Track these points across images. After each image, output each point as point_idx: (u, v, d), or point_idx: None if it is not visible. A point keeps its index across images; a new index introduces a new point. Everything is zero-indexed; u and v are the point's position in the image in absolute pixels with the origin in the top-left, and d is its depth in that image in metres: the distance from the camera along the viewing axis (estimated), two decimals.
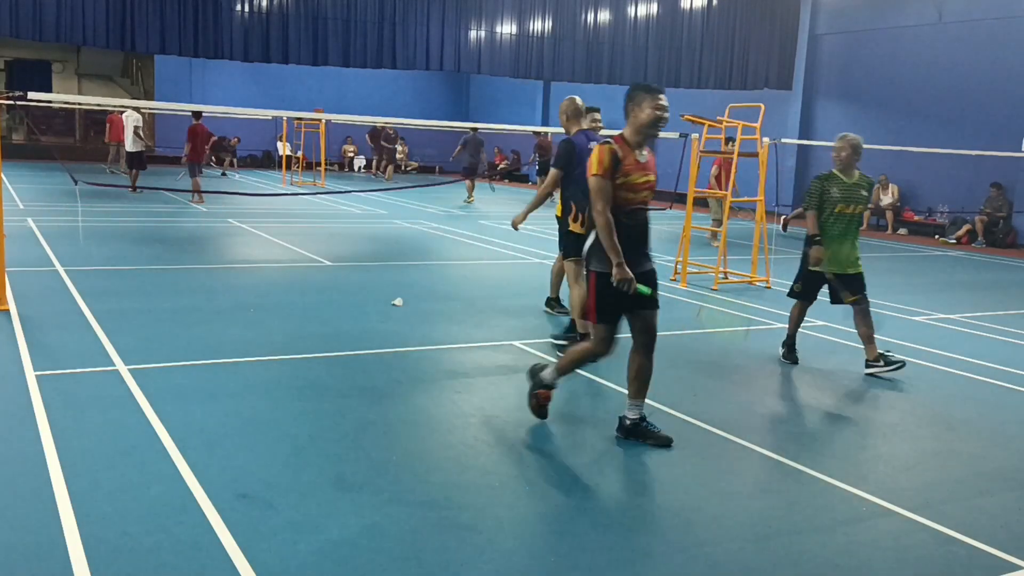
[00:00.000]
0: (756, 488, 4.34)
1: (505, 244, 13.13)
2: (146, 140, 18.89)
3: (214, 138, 24.33)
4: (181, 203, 16.73)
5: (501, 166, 31.30)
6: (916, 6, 19.28)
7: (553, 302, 8.22)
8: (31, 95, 7.72)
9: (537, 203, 7.34)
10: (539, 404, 5.02)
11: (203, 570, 3.21)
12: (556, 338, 7.03)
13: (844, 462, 4.73)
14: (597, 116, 7.64)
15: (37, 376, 5.43)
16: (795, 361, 6.83)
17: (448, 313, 7.63)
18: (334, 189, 22.58)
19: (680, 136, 10.99)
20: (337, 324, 7.45)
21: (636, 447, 4.76)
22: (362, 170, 31.70)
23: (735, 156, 10.61)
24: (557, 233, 7.29)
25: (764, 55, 21.42)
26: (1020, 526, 4.01)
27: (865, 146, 6.75)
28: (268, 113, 15.81)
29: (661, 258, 12.41)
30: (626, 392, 4.87)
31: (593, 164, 4.55)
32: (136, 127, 18.53)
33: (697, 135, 10.83)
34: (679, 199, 10.94)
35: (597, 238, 4.62)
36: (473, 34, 19.75)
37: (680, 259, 10.54)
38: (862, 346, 6.64)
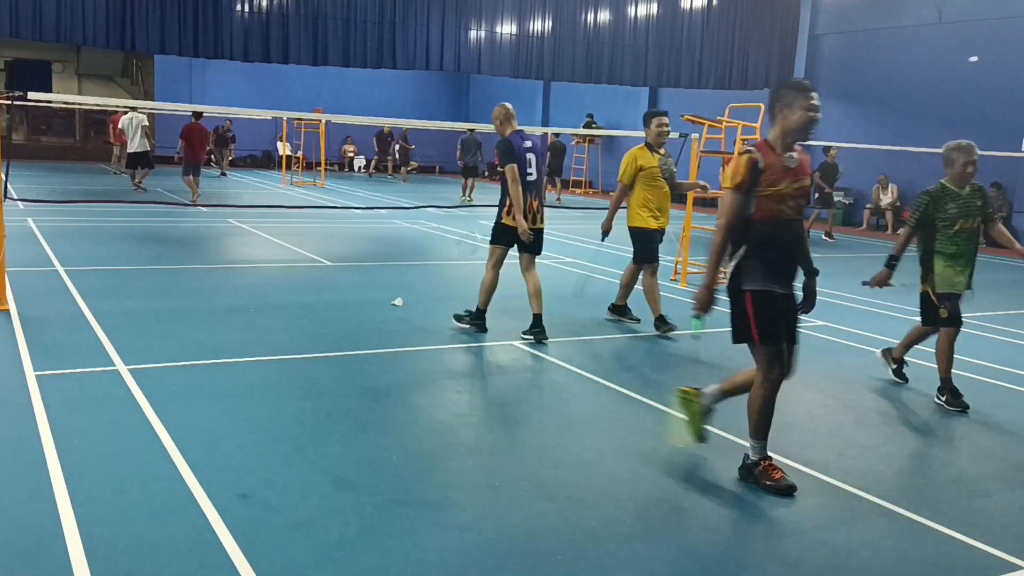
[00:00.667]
0: (755, 487, 4.33)
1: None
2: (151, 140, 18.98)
3: (212, 136, 24.28)
4: (181, 203, 16.72)
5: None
6: (916, 6, 19.28)
7: (621, 309, 8.02)
8: (31, 95, 7.73)
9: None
10: (772, 479, 4.25)
11: (203, 570, 3.21)
12: (524, 333, 7.11)
13: (843, 459, 4.72)
14: (665, 121, 7.52)
15: (37, 376, 5.43)
16: (964, 407, 5.75)
17: (448, 313, 7.63)
18: (392, 203, 22.51)
19: (680, 136, 10.99)
20: (337, 324, 7.45)
21: (624, 446, 4.75)
22: (362, 170, 31.70)
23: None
24: (628, 240, 7.62)
25: (764, 55, 21.42)
26: (1020, 526, 4.01)
27: (865, 146, 6.69)
28: (268, 113, 15.85)
29: (662, 258, 12.39)
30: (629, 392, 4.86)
31: (728, 175, 4.18)
32: (144, 127, 18.61)
33: (697, 135, 10.84)
34: (679, 199, 10.92)
35: (745, 255, 4.19)
36: (473, 34, 19.74)
37: (680, 259, 10.54)
38: (862, 346, 6.62)
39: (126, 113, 19.32)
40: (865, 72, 20.34)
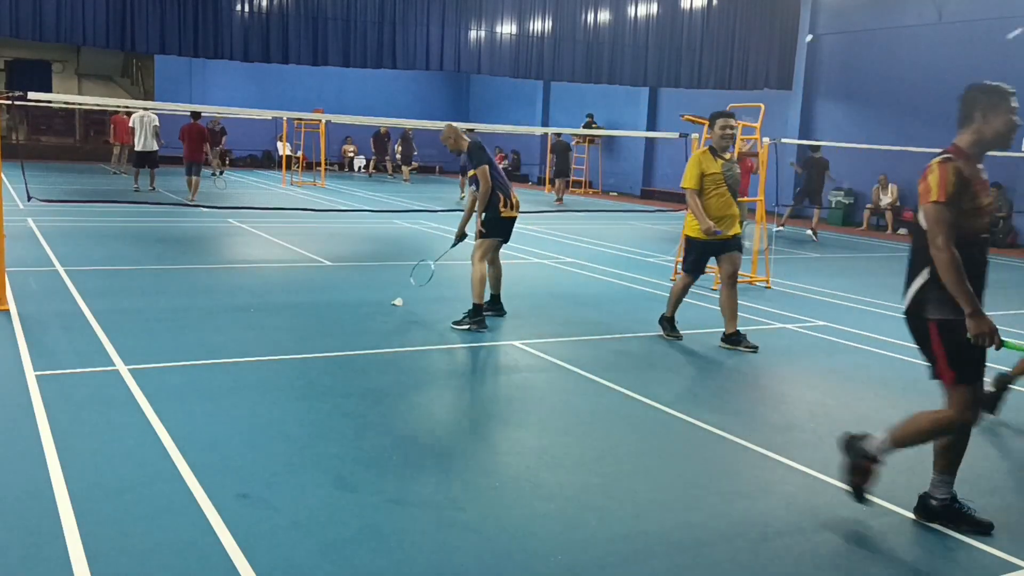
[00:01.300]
0: (755, 488, 4.34)
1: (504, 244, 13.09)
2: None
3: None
4: (181, 203, 16.73)
5: (501, 166, 31.29)
6: (916, 6, 19.28)
7: (667, 322, 7.50)
8: (31, 95, 7.73)
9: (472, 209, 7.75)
10: (863, 480, 3.97)
11: (203, 570, 3.21)
12: (457, 324, 7.33)
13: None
14: (732, 123, 7.13)
15: (37, 376, 5.43)
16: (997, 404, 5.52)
17: (448, 313, 7.64)
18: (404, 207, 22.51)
19: (680, 136, 11.04)
20: (337, 324, 7.45)
21: (624, 446, 4.75)
22: (362, 170, 31.70)
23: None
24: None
25: (764, 55, 21.42)
26: (1020, 526, 4.02)
27: (865, 146, 6.67)
28: (268, 113, 15.84)
29: (661, 258, 12.44)
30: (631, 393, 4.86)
31: (933, 188, 3.65)
32: (155, 127, 18.66)
33: (697, 135, 10.84)
34: (679, 199, 10.92)
35: (929, 278, 3.73)
36: (473, 34, 19.74)
37: (680, 259, 10.52)
38: (862, 346, 6.62)
39: (131, 113, 19.34)
40: (865, 72, 20.33)
